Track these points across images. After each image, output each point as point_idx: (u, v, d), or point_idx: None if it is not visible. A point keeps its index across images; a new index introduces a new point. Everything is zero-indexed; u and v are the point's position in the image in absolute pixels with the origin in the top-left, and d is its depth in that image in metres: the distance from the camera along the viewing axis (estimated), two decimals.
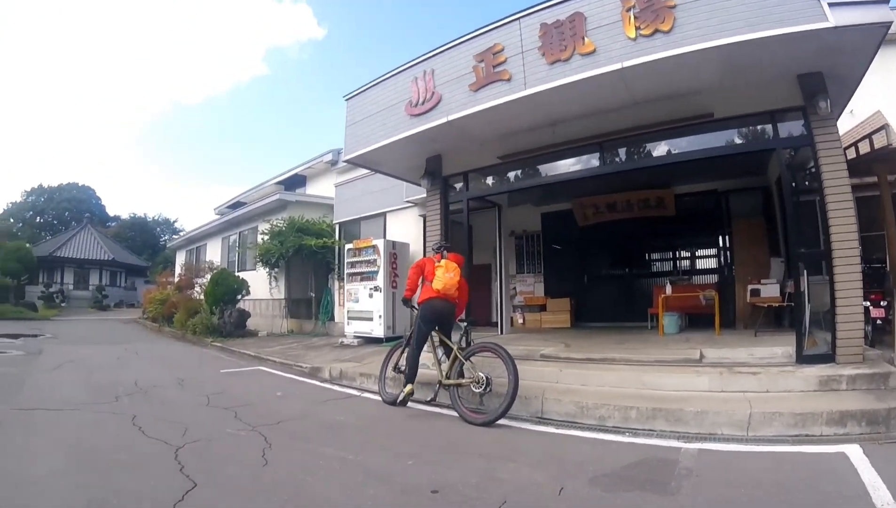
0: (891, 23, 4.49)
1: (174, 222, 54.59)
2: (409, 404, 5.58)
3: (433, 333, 5.55)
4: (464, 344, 5.71)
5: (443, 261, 5.55)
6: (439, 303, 5.43)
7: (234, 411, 5.31)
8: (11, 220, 43.14)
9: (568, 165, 7.21)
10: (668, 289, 8.35)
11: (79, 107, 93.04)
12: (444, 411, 5.27)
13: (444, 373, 5.32)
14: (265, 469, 3.61)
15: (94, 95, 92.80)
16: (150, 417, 4.98)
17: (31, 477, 3.32)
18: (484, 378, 4.94)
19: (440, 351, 5.55)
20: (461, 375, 5.21)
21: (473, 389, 5.00)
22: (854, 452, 3.51)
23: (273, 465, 3.67)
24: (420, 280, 5.65)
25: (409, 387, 5.43)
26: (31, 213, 47.88)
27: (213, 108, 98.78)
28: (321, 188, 17.17)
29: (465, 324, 5.91)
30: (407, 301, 5.77)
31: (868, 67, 5.23)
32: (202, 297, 14.61)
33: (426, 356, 5.75)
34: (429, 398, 5.59)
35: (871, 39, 4.71)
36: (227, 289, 13.62)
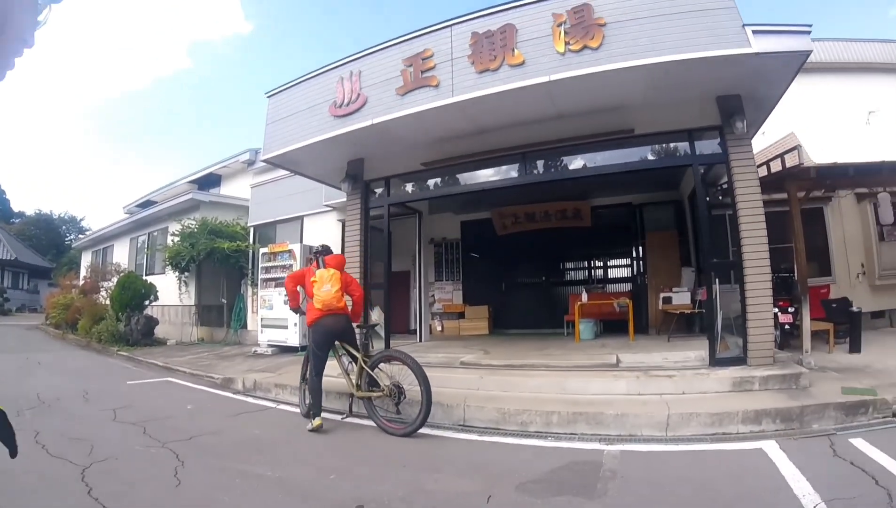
0: (809, 52, 4.87)
1: (81, 220, 49.62)
2: (327, 415, 5.29)
3: (336, 343, 5.19)
4: (370, 352, 5.37)
5: (318, 272, 5.05)
6: (329, 320, 5.00)
7: (142, 426, 4.90)
8: None
9: (490, 175, 7.29)
10: (584, 297, 8.65)
11: None
12: (364, 421, 5.10)
13: (354, 384, 5.10)
14: (178, 489, 3.34)
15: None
16: (54, 433, 4.60)
17: None
18: (394, 388, 4.78)
19: (346, 360, 5.27)
20: (371, 384, 5.00)
21: (386, 399, 4.84)
22: (771, 448, 3.75)
23: (187, 485, 3.41)
24: (303, 295, 5.25)
25: (317, 420, 4.81)
26: None
27: (132, 101, 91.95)
28: (237, 189, 16.37)
29: (365, 330, 5.49)
30: (296, 310, 5.42)
31: (785, 91, 5.65)
32: (108, 302, 13.59)
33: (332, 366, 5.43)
34: (343, 415, 5.37)
35: (791, 66, 5.10)
36: (134, 294, 12.68)
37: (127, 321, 12.25)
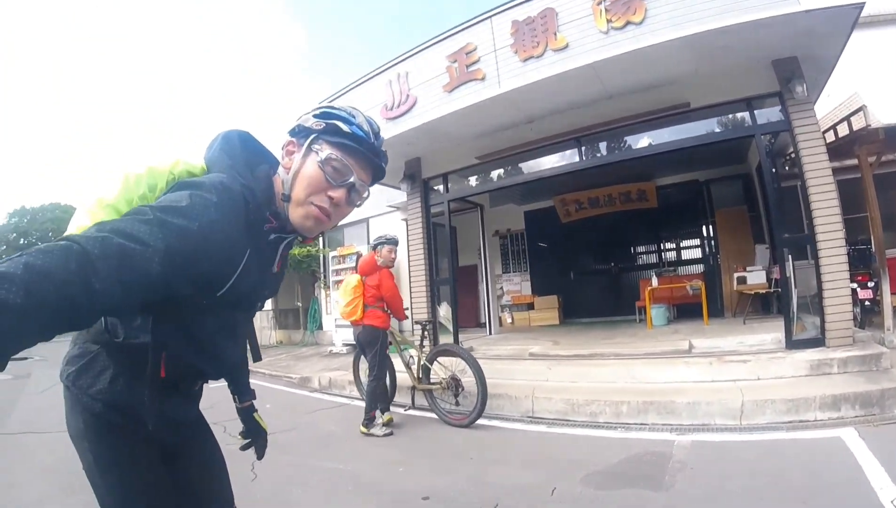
0: (863, 4, 4.49)
1: None
2: (392, 409, 5.49)
3: (394, 339, 5.31)
4: (425, 345, 5.55)
5: (345, 281, 5.18)
6: (355, 331, 5.12)
7: (223, 425, 5.18)
8: None
9: (547, 162, 7.18)
10: (655, 281, 8.36)
11: (63, 126, 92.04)
12: (428, 414, 5.22)
13: (415, 377, 5.27)
14: (254, 483, 3.54)
15: (76, 115, 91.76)
16: None
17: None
18: (451, 381, 4.89)
19: (407, 354, 5.44)
20: (431, 378, 5.17)
21: (445, 391, 4.96)
22: (850, 435, 3.49)
23: (262, 479, 3.60)
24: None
25: (387, 415, 4.91)
26: (15, 235, 47.05)
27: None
28: None
29: (423, 325, 5.76)
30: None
31: (843, 49, 5.24)
32: None
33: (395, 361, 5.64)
34: (406, 407, 5.54)
35: (844, 21, 4.71)
36: None
37: None
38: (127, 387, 1.15)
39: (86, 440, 1.17)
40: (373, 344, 4.86)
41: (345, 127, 1.13)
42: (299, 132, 1.16)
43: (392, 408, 5.51)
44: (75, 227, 1.06)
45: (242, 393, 1.62)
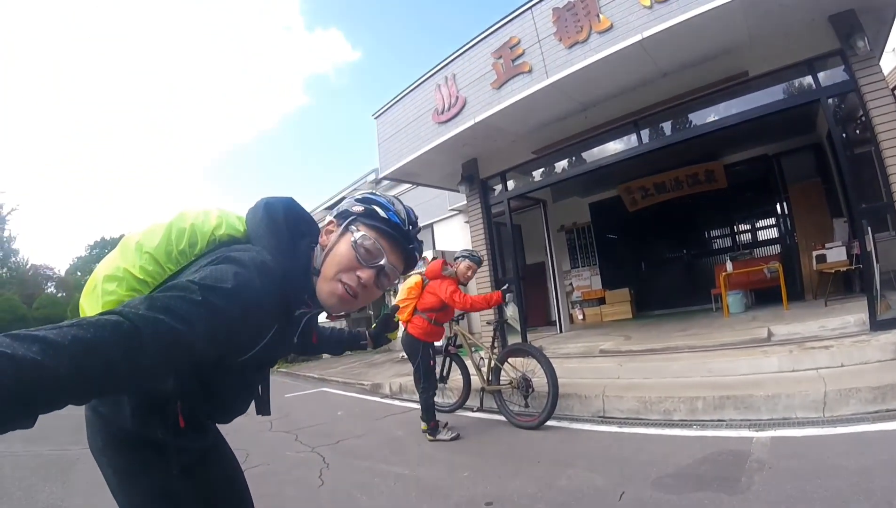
0: None
1: None
2: (459, 412, 5.49)
3: (461, 341, 5.35)
4: (496, 347, 5.44)
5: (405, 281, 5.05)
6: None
7: (295, 433, 5.40)
8: (79, 273, 45.75)
9: (606, 150, 6.93)
10: (729, 266, 7.88)
11: (133, 160, 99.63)
12: (496, 416, 5.14)
13: (485, 378, 5.17)
14: (321, 489, 3.64)
15: (151, 146, 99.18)
16: None
17: None
18: (521, 381, 4.77)
19: (478, 356, 5.36)
20: (500, 379, 5.04)
21: (515, 392, 4.86)
22: None
23: (329, 485, 3.70)
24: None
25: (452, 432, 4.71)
26: (96, 265, 51.36)
27: (264, 142, 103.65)
28: None
29: (494, 326, 5.72)
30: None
31: None
32: None
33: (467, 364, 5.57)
34: (474, 408, 5.51)
35: None
36: None
37: None
38: (144, 422, 1.18)
39: (104, 455, 1.23)
40: (413, 355, 4.79)
41: (382, 212, 1.19)
42: (340, 215, 1.22)
43: (460, 412, 5.52)
44: (113, 267, 1.14)
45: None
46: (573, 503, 2.92)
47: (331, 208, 19.34)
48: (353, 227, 1.17)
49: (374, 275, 1.17)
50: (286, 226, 1.16)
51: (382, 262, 1.18)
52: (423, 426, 4.75)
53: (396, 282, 1.61)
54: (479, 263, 4.87)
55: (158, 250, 1.12)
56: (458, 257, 4.88)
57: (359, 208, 1.19)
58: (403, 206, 1.26)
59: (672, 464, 3.29)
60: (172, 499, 1.23)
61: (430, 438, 4.65)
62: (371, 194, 1.25)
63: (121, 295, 1.11)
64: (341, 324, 13.46)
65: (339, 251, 1.16)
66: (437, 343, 5.04)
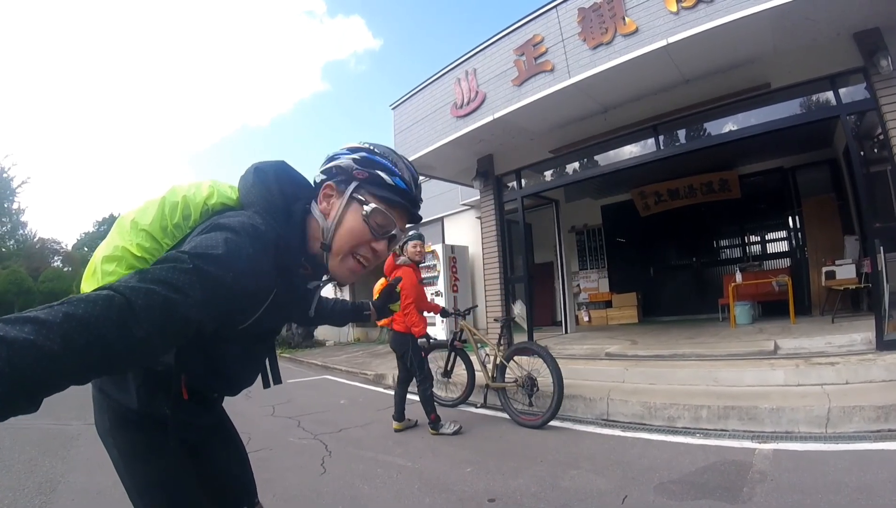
0: None
1: None
2: (462, 408, 5.52)
3: (469, 337, 5.34)
4: (502, 344, 5.37)
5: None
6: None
7: (297, 420, 5.43)
8: (85, 249, 45.73)
9: (623, 153, 6.90)
10: (738, 277, 7.85)
11: (146, 136, 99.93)
12: (499, 413, 5.15)
13: (490, 376, 5.17)
14: (323, 477, 3.66)
15: (162, 123, 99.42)
16: None
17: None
18: (527, 379, 4.79)
19: (483, 352, 5.36)
20: (506, 376, 5.06)
21: (519, 390, 4.88)
22: None
23: (331, 473, 3.72)
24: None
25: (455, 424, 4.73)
26: (102, 241, 51.44)
27: (278, 127, 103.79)
28: None
29: (501, 323, 5.66)
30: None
31: None
32: None
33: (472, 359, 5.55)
34: (478, 404, 5.52)
35: None
36: None
37: (288, 327, 13.62)
38: (149, 398, 1.19)
39: (111, 435, 1.24)
40: (403, 350, 4.82)
41: (388, 179, 1.14)
42: (337, 174, 1.16)
43: (463, 407, 5.53)
44: (111, 247, 1.13)
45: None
46: (576, 504, 2.93)
47: None
48: (359, 196, 1.13)
49: (387, 243, 1.18)
50: (278, 189, 1.14)
51: (395, 231, 1.18)
52: (396, 425, 4.82)
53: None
54: (420, 237, 4.86)
55: (153, 226, 1.11)
56: (402, 243, 4.75)
57: (361, 174, 1.14)
58: (404, 162, 1.20)
59: (675, 471, 3.29)
60: (178, 481, 1.24)
61: (433, 431, 4.67)
62: (368, 151, 1.17)
63: (121, 274, 1.09)
64: (343, 294, 13.50)
65: (351, 226, 1.12)
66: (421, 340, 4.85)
